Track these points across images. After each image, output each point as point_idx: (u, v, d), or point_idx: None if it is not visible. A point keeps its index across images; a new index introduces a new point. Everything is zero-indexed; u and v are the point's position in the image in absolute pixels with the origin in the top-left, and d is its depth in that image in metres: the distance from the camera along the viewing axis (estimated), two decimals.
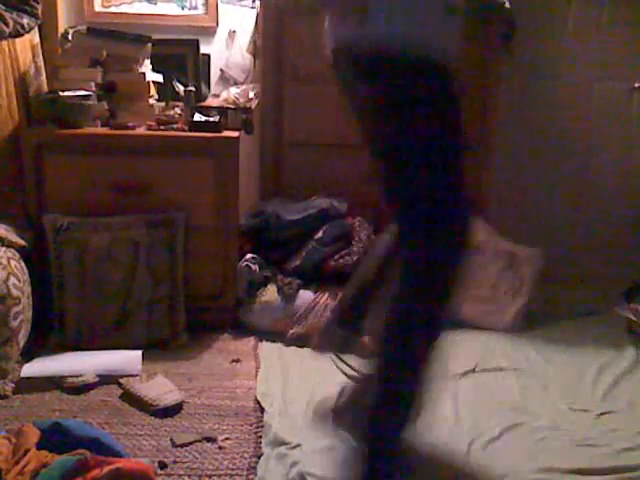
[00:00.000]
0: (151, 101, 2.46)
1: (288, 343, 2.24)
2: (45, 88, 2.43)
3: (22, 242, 2.06)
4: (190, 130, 2.29)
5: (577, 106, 2.97)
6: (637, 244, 2.95)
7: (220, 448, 1.61)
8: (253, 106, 2.58)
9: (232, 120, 2.49)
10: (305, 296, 2.32)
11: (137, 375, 1.93)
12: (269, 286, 2.37)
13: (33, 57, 2.38)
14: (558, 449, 1.64)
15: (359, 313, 1.78)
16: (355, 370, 2.05)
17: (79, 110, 2.25)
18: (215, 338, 2.27)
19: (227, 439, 1.64)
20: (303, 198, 2.56)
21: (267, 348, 2.21)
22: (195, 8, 2.80)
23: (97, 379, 1.90)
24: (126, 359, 2.01)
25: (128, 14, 2.77)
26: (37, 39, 2.40)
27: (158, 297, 2.19)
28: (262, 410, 1.79)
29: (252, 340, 2.26)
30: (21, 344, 1.97)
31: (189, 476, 1.49)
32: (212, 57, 2.82)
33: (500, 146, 2.85)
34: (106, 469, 1.26)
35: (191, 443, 1.62)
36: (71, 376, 1.89)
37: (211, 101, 2.66)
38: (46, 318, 2.13)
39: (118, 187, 2.20)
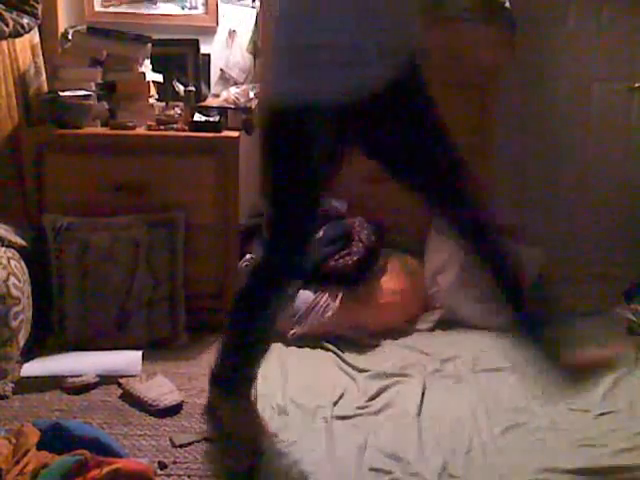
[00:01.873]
0: (151, 101, 2.45)
1: (288, 343, 2.24)
2: (45, 88, 2.42)
3: (22, 242, 2.06)
4: (190, 130, 2.29)
5: (577, 106, 2.97)
6: (637, 244, 2.95)
7: None
8: (253, 106, 2.57)
9: (232, 120, 2.49)
10: (305, 296, 2.32)
11: (137, 375, 1.93)
12: None
13: (33, 57, 2.38)
14: (558, 449, 1.64)
15: None
16: (356, 369, 2.05)
17: (79, 110, 2.25)
18: (215, 338, 2.26)
19: None
20: None
21: None
22: (195, 8, 2.80)
23: (97, 379, 1.90)
24: (126, 359, 2.01)
25: (128, 14, 2.76)
26: (37, 39, 2.40)
27: (158, 297, 2.19)
28: (262, 410, 1.79)
29: None
30: (21, 344, 1.97)
31: (189, 476, 1.50)
32: (212, 57, 2.81)
33: (500, 146, 2.85)
34: (106, 469, 1.26)
35: (191, 443, 1.62)
36: (71, 376, 1.89)
37: (211, 101, 2.65)
38: (46, 318, 2.13)
39: (118, 187, 2.20)
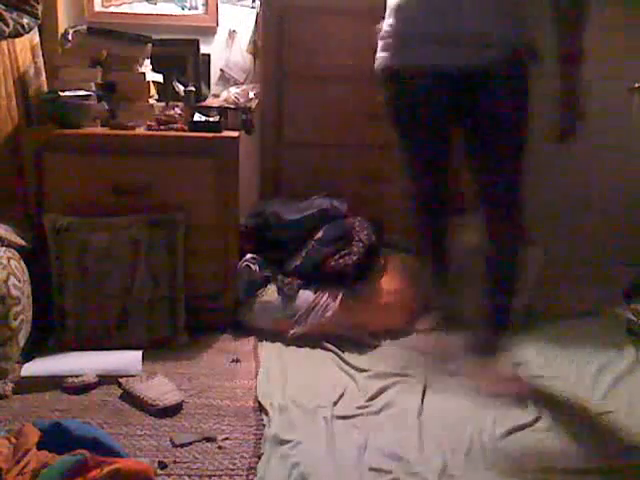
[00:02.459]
0: (151, 101, 2.46)
1: (288, 343, 2.24)
2: (45, 88, 2.43)
3: (22, 242, 2.06)
4: (190, 130, 2.29)
5: None
6: (637, 244, 2.95)
7: (220, 448, 1.61)
8: (253, 106, 2.58)
9: (232, 120, 2.49)
10: (305, 296, 2.32)
11: (137, 375, 1.93)
12: (269, 286, 2.37)
13: (33, 57, 2.38)
14: (558, 449, 1.64)
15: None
16: (356, 369, 2.05)
17: (79, 110, 2.25)
18: (215, 338, 2.27)
19: (227, 439, 1.64)
20: (303, 198, 2.56)
21: (267, 348, 2.21)
22: (195, 8, 2.80)
23: (97, 379, 1.90)
24: (126, 359, 2.01)
25: (128, 14, 2.77)
26: (37, 39, 2.40)
27: (158, 297, 2.19)
28: (262, 410, 1.79)
29: (252, 340, 2.26)
30: (21, 344, 1.97)
31: (189, 476, 1.50)
32: (212, 57, 2.82)
33: None
34: (106, 469, 1.26)
35: (191, 443, 1.62)
36: (71, 376, 1.89)
37: (211, 101, 2.66)
38: (46, 318, 2.13)
39: (118, 187, 2.20)
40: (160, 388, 1.83)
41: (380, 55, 1.88)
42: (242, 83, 2.78)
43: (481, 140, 1.88)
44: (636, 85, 2.93)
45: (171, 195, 2.24)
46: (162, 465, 1.52)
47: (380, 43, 1.89)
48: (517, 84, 1.81)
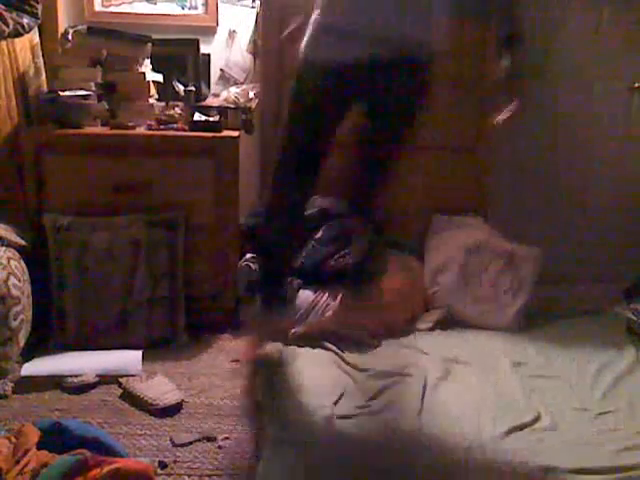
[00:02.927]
0: (151, 101, 2.46)
1: (288, 343, 2.24)
2: (45, 88, 2.43)
3: (22, 242, 2.06)
4: (190, 130, 2.29)
5: (577, 106, 2.96)
6: (636, 244, 2.95)
7: (220, 448, 1.61)
8: (253, 106, 2.58)
9: (232, 120, 2.49)
10: (305, 296, 2.32)
11: (137, 375, 1.93)
12: None
13: (33, 57, 2.38)
14: (558, 449, 1.63)
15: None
16: (356, 369, 2.05)
17: (79, 110, 2.25)
18: (215, 338, 2.27)
19: (227, 439, 1.65)
20: None
21: (267, 348, 2.20)
22: (195, 8, 2.80)
23: (97, 379, 1.90)
24: (126, 359, 2.01)
25: (128, 14, 2.76)
26: (37, 39, 2.41)
27: (158, 297, 2.19)
28: (262, 410, 1.79)
29: None
30: (21, 344, 1.97)
31: (189, 476, 1.50)
32: (212, 57, 2.82)
33: (500, 146, 2.85)
34: (106, 469, 1.26)
35: (191, 443, 1.62)
36: (71, 376, 1.89)
37: (211, 101, 2.66)
38: (46, 318, 2.13)
39: (118, 187, 2.20)
40: (160, 388, 1.83)
41: (310, 46, 1.82)
42: (242, 83, 2.78)
43: (376, 122, 1.91)
44: (636, 85, 2.93)
45: (171, 195, 2.24)
46: (162, 465, 1.52)
47: (310, 34, 1.83)
48: (418, 78, 1.82)
